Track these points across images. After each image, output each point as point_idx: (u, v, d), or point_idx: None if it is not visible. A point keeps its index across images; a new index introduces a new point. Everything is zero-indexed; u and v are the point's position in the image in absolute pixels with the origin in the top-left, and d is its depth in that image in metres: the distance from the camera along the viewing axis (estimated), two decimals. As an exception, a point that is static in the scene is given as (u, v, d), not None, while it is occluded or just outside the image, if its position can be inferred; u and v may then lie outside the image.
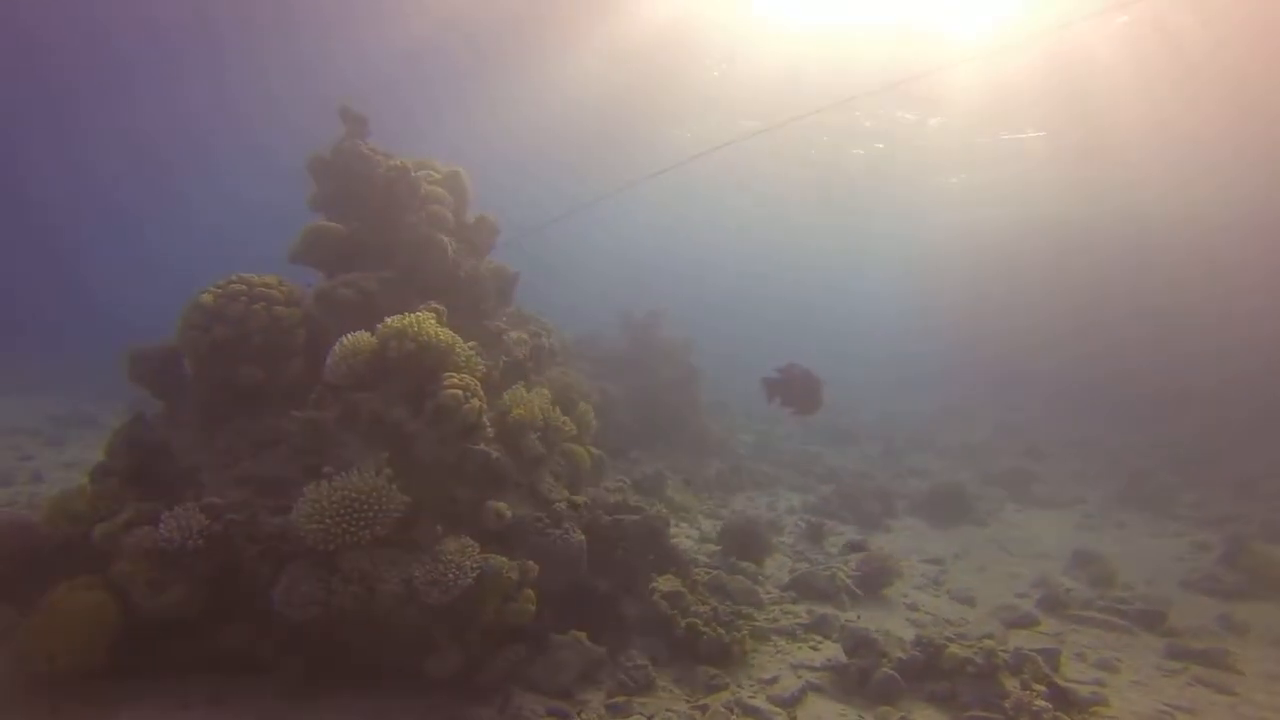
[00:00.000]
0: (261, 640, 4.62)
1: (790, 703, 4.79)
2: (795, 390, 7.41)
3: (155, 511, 4.68)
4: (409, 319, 5.20)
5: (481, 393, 5.15)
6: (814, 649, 5.66)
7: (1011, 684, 5.06)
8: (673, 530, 8.44)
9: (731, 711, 4.66)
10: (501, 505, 5.22)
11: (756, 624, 5.93)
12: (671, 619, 5.44)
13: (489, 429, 5.22)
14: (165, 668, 4.54)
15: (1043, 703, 4.69)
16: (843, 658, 5.32)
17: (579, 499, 5.94)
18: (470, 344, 5.86)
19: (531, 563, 4.98)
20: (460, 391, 4.94)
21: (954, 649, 5.13)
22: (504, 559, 4.88)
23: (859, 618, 6.39)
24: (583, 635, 4.97)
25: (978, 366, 24.06)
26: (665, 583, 6.00)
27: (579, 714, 4.52)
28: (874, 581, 6.99)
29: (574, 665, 4.84)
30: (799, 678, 5.16)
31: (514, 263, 8.12)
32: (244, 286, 5.83)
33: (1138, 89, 17.77)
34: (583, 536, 5.46)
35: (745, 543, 7.34)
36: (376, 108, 7.63)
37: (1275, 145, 18.28)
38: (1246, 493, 13.45)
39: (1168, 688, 5.52)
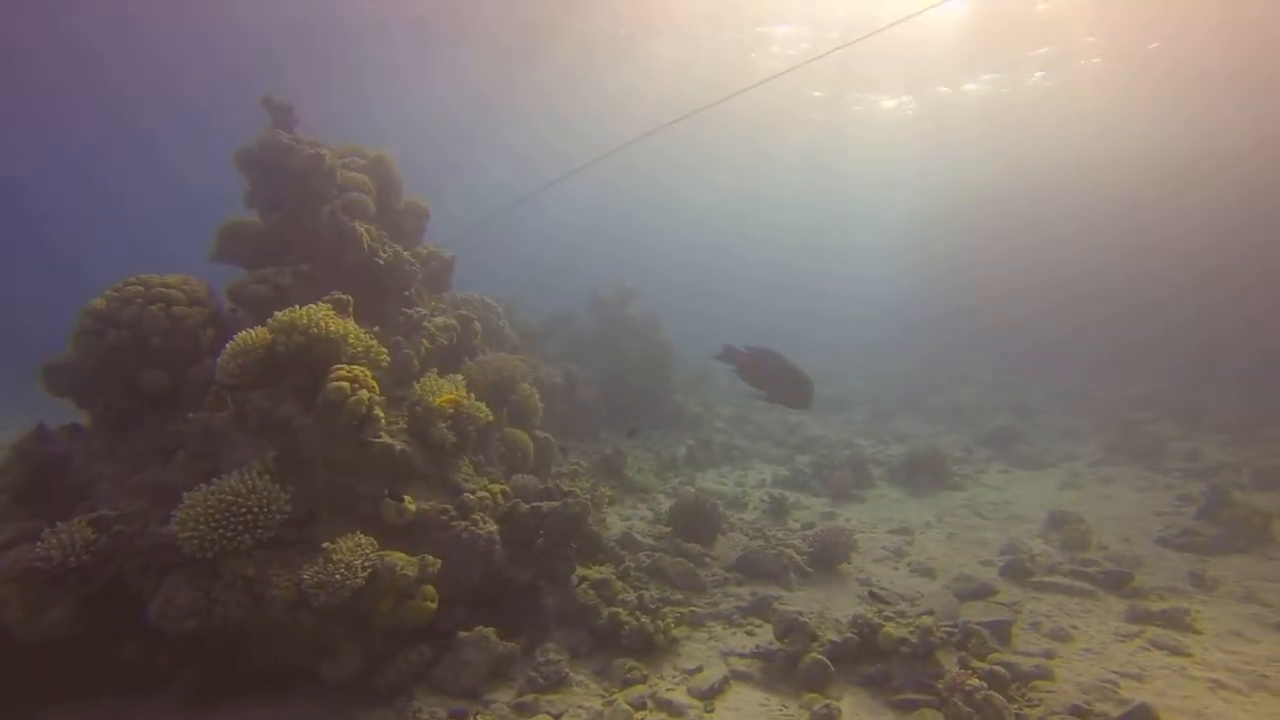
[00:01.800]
0: (157, 654, 4.46)
1: (710, 694, 4.56)
2: (785, 388, 7.14)
3: (37, 529, 4.50)
4: (298, 312, 4.97)
5: (373, 384, 4.91)
6: (749, 634, 5.42)
7: (949, 663, 4.82)
8: (627, 512, 8.26)
9: (643, 706, 4.44)
10: (404, 499, 4.99)
11: (693, 609, 5.70)
12: (594, 609, 5.21)
13: (383, 420, 4.97)
14: (56, 692, 4.39)
15: (976, 681, 4.42)
16: (776, 643, 5.08)
17: (497, 487, 5.71)
18: (373, 331, 5.64)
19: (431, 558, 4.77)
20: (347, 384, 4.71)
21: (889, 629, 4.88)
22: (402, 556, 4.68)
23: (798, 598, 6.16)
24: (490, 632, 4.76)
25: (969, 321, 23.60)
26: (595, 570, 5.78)
27: (476, 715, 4.29)
28: (828, 557, 6.73)
29: (480, 664, 4.64)
30: (726, 666, 4.93)
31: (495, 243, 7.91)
32: (140, 288, 5.61)
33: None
34: (494, 528, 5.25)
35: (694, 523, 7.09)
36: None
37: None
38: (1246, 439, 13.06)
39: (1119, 654, 5.25)
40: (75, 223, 45.64)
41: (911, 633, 4.82)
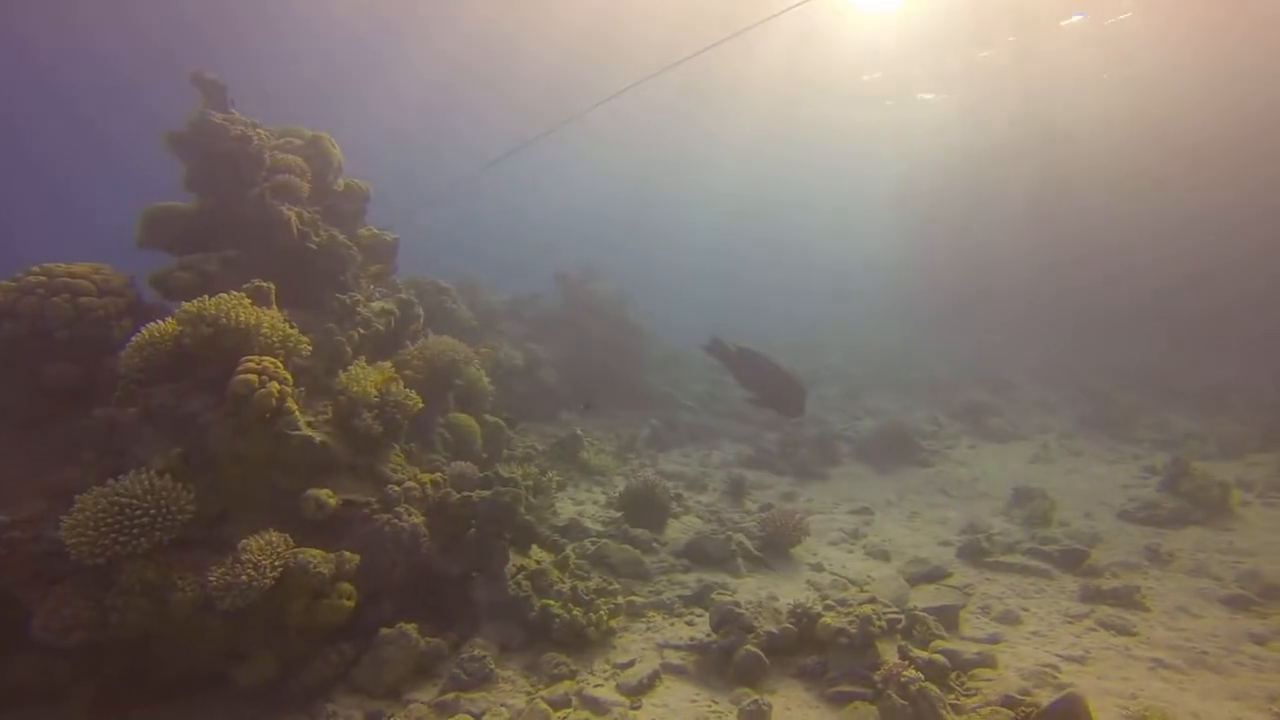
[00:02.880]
0: (54, 668, 4.24)
1: (638, 690, 4.41)
2: (778, 395, 7.29)
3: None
4: (206, 302, 4.72)
5: (287, 375, 4.68)
6: (689, 624, 5.27)
7: (889, 653, 4.67)
8: (581, 496, 8.09)
9: (567, 704, 4.28)
10: (323, 493, 4.79)
11: (633, 599, 5.54)
12: (526, 601, 5.04)
13: (298, 413, 4.74)
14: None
15: (912, 672, 4.28)
16: (713, 635, 4.92)
17: (428, 477, 5.51)
18: (302, 318, 5.39)
19: (349, 554, 4.58)
20: (254, 376, 4.46)
21: (827, 619, 4.73)
22: (317, 553, 4.48)
23: (746, 585, 6.01)
24: (412, 628, 4.58)
25: (952, 294, 23.38)
26: (534, 560, 5.61)
27: (392, 717, 4.13)
28: (779, 541, 6.58)
29: (401, 662, 4.47)
30: (660, 659, 4.77)
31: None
32: (44, 278, 5.33)
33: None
34: (420, 520, 5.04)
35: (643, 508, 6.92)
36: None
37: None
38: (1215, 407, 13.01)
39: (1066, 636, 5.15)
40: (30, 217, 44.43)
41: (850, 622, 4.67)
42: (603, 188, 48.92)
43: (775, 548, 6.56)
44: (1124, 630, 5.19)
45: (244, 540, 4.30)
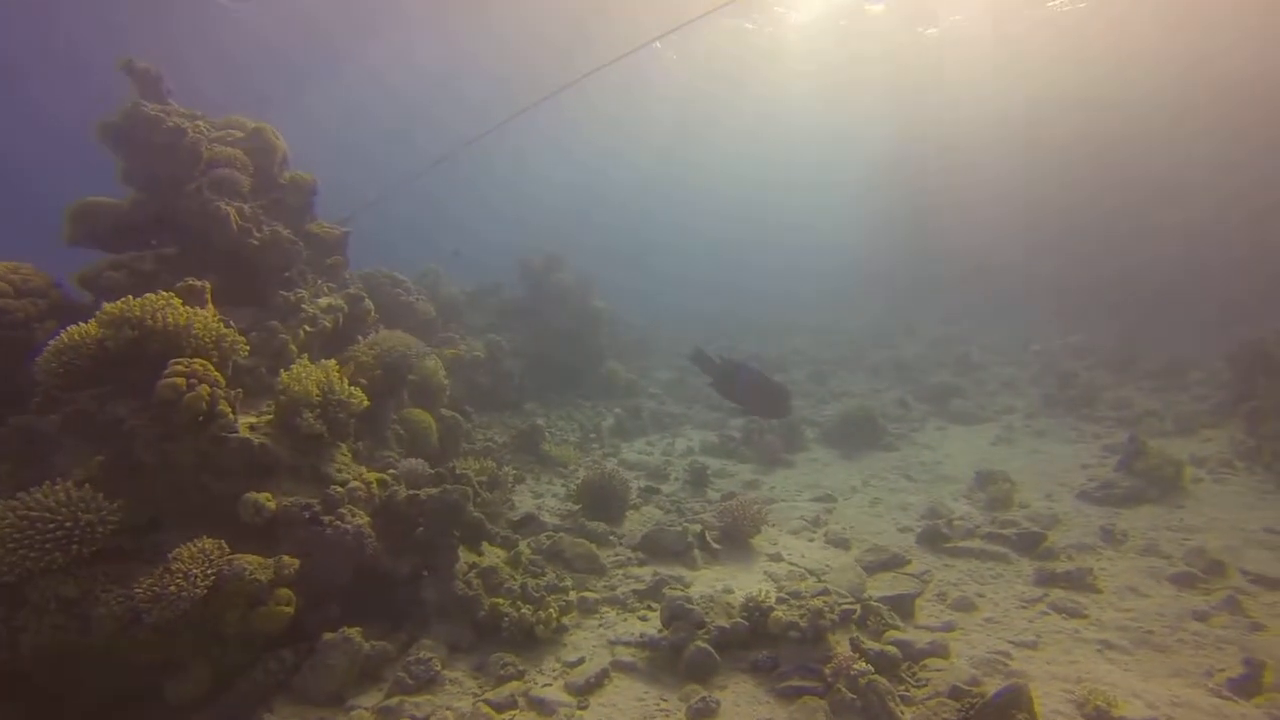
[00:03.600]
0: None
1: (586, 689, 4.34)
2: (763, 403, 7.78)
3: None
4: (131, 304, 4.52)
5: (218, 376, 4.50)
6: (642, 620, 5.20)
7: (841, 645, 4.65)
8: (541, 488, 7.98)
9: (513, 706, 4.20)
10: (261, 496, 4.63)
11: (586, 594, 5.46)
12: (475, 600, 4.94)
13: (232, 415, 4.57)
14: None
15: (862, 665, 4.25)
16: (664, 631, 4.86)
17: (374, 476, 5.37)
18: (220, 317, 5.18)
19: (288, 558, 4.43)
20: (182, 379, 4.29)
21: (779, 612, 4.68)
22: (254, 559, 4.33)
23: (702, 578, 5.96)
24: (355, 632, 4.46)
25: (920, 274, 23.55)
26: (485, 557, 5.51)
27: (327, 728, 4.02)
28: (738, 531, 6.52)
29: (344, 667, 4.34)
30: (611, 656, 4.70)
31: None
32: (-45, 278, 5.08)
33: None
34: (365, 520, 4.91)
35: (601, 500, 6.84)
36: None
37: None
38: (1175, 384, 13.18)
39: (1019, 621, 5.16)
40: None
41: (801, 616, 4.63)
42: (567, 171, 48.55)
43: (734, 538, 6.51)
44: (1075, 613, 5.22)
45: (176, 549, 4.16)
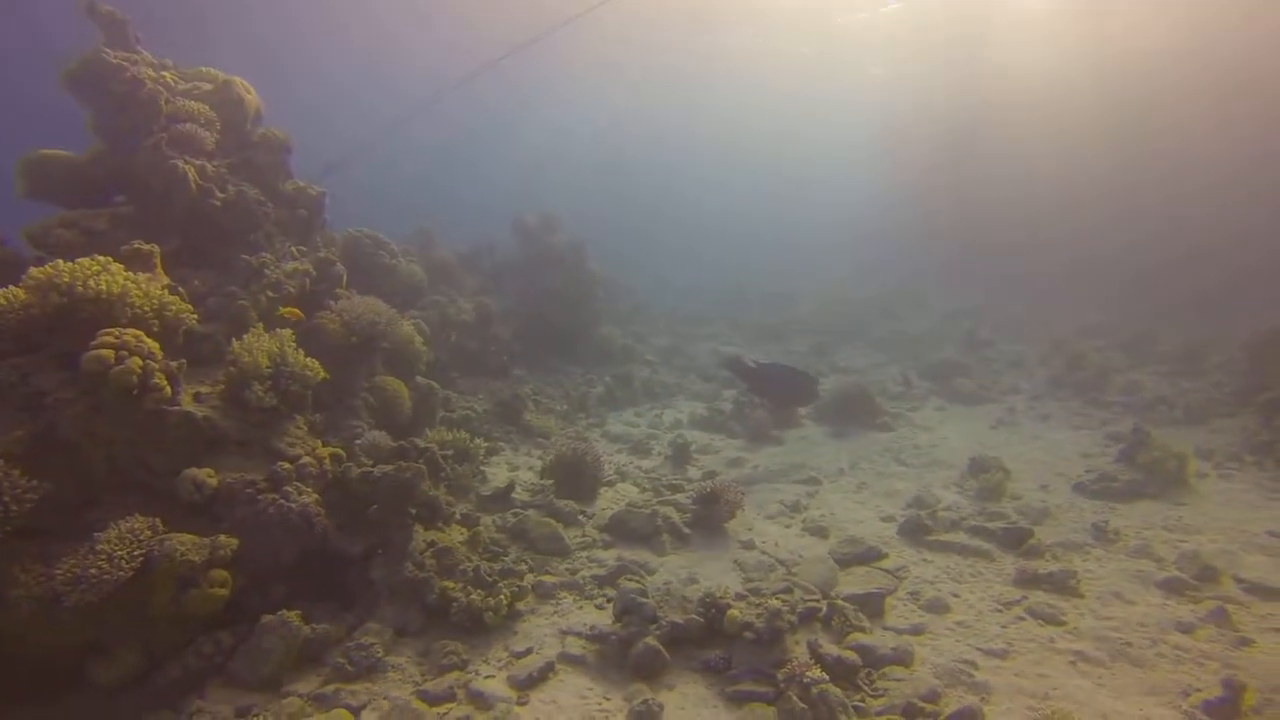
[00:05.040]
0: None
1: (528, 683, 4.18)
2: (795, 394, 8.87)
3: None
4: (60, 267, 4.30)
5: (153, 346, 4.29)
6: (599, 608, 5.03)
7: (798, 648, 4.46)
8: (519, 460, 7.81)
9: (450, 698, 4.06)
10: (202, 473, 4.47)
11: (545, 578, 5.29)
12: (426, 583, 4.79)
13: (167, 389, 4.37)
14: None
15: (816, 673, 4.06)
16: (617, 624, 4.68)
17: (327, 451, 5.19)
18: (168, 285, 4.96)
19: (225, 538, 4.28)
20: (110, 351, 4.08)
21: (734, 612, 4.49)
22: (188, 538, 4.18)
23: (668, 564, 5.78)
24: (294, 615, 4.33)
25: (935, 247, 22.88)
26: (446, 535, 5.35)
27: (256, 715, 3.89)
28: (712, 515, 6.31)
29: (280, 651, 4.23)
30: (561, 647, 4.54)
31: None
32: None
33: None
34: (312, 498, 4.74)
35: (572, 477, 6.64)
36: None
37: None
38: (1188, 367, 12.72)
39: (991, 626, 4.93)
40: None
41: (758, 616, 4.43)
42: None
43: (707, 522, 6.30)
44: (1052, 619, 4.98)
45: (103, 530, 4.00)
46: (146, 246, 5.00)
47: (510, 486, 6.64)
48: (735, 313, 18.18)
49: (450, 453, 6.31)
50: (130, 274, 4.55)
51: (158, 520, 4.19)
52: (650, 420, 9.90)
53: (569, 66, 32.32)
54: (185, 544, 4.14)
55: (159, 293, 4.64)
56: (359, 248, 8.45)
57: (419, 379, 7.41)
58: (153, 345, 4.30)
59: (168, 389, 4.36)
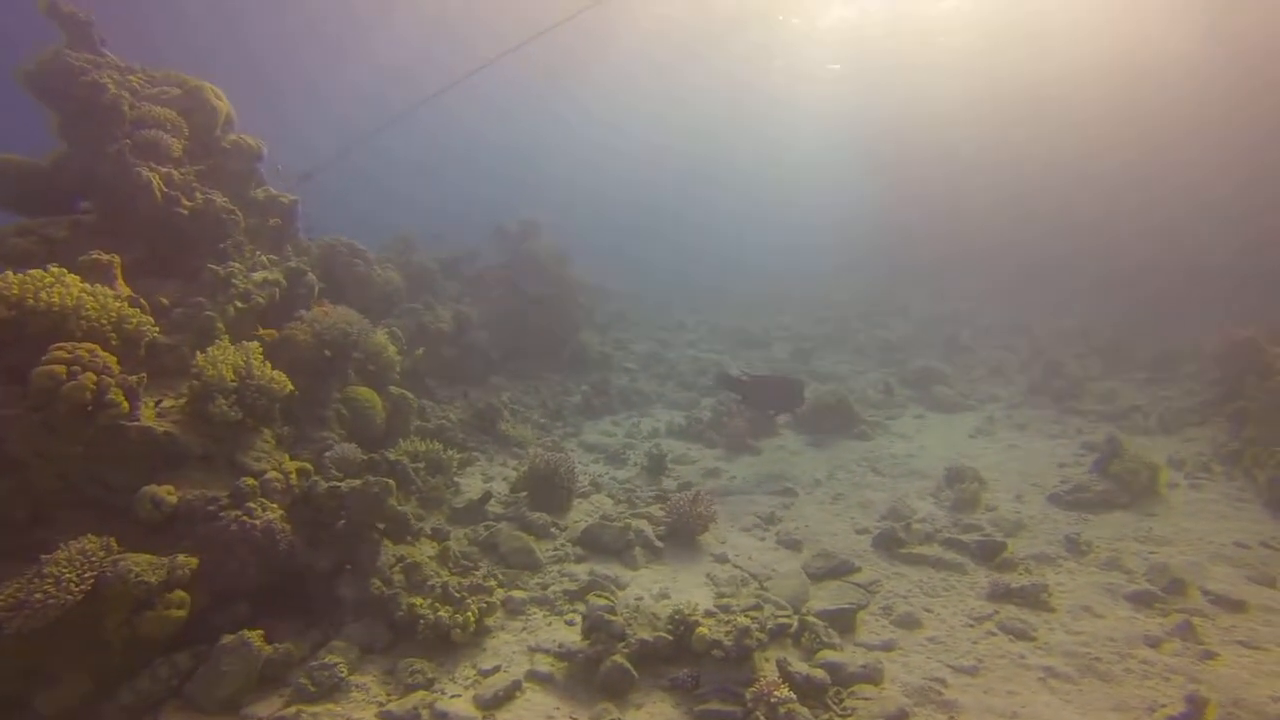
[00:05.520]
0: None
1: (494, 702, 4.13)
2: (786, 401, 8.98)
3: None
4: (9, 279, 4.20)
5: (105, 362, 4.20)
6: (569, 624, 4.98)
7: (768, 666, 4.43)
8: (494, 471, 7.74)
9: (415, 719, 3.99)
10: (162, 490, 4.37)
11: (515, 593, 5.23)
12: (393, 599, 4.71)
13: (125, 404, 4.27)
14: None
15: (784, 692, 4.03)
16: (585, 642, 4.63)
17: (294, 465, 5.11)
18: (128, 296, 4.86)
19: (184, 558, 4.19)
20: (62, 367, 3.98)
21: (703, 629, 4.45)
22: (144, 558, 4.08)
23: (640, 579, 5.74)
24: (255, 635, 4.23)
25: (915, 253, 23.00)
26: (414, 550, 5.28)
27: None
28: (686, 528, 6.28)
29: (239, 673, 4.12)
30: (530, 665, 4.49)
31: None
32: None
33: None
34: (277, 514, 4.65)
35: (544, 489, 6.59)
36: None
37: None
38: (1164, 374, 12.85)
39: (963, 642, 4.93)
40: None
41: (727, 634, 4.40)
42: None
43: (681, 535, 6.27)
44: (1023, 635, 4.99)
45: (52, 551, 3.90)
46: (106, 257, 4.91)
47: (485, 498, 6.57)
48: (716, 319, 18.17)
49: (422, 465, 6.24)
50: (86, 285, 4.46)
51: (111, 540, 4.09)
52: (628, 429, 9.86)
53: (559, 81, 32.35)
54: (141, 564, 4.04)
55: (117, 305, 4.55)
56: (335, 256, 8.35)
57: (393, 389, 7.33)
58: (109, 359, 4.20)
59: (125, 404, 4.26)
